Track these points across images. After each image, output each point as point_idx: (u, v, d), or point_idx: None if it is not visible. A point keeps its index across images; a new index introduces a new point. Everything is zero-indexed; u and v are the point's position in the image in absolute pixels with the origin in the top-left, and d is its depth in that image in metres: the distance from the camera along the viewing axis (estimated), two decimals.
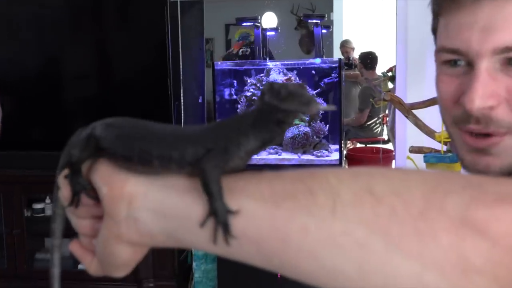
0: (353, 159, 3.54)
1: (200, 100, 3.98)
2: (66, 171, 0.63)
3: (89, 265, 0.65)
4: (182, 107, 3.67)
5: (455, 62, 0.77)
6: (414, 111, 2.63)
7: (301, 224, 0.48)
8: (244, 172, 0.55)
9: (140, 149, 0.56)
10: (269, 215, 0.50)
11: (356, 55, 6.62)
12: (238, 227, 0.51)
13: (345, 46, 6.70)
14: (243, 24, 3.49)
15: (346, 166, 3.52)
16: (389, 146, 4.95)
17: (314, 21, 3.39)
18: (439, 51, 0.78)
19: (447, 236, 0.44)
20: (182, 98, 3.69)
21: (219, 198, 0.51)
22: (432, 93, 3.22)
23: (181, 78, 3.65)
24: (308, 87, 3.42)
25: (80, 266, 3.37)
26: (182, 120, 3.69)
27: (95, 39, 3.77)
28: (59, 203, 0.67)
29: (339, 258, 0.47)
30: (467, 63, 0.75)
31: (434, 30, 0.84)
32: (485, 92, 0.72)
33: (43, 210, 3.73)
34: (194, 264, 3.57)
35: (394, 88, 5.53)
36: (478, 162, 0.77)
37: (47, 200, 3.71)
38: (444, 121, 0.82)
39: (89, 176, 0.61)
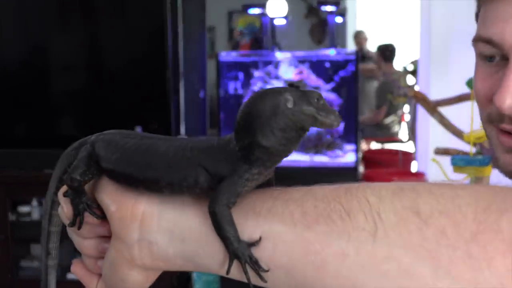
0: (370, 161, 3.45)
1: (201, 95, 3.89)
2: (65, 188, 0.61)
3: None
4: (182, 102, 3.58)
5: (490, 58, 0.74)
6: (440, 109, 2.54)
7: (339, 249, 0.47)
8: (270, 186, 0.55)
9: (143, 174, 0.55)
10: (301, 239, 0.48)
11: (370, 47, 6.53)
12: (264, 253, 0.50)
13: (359, 36, 6.63)
14: (249, 11, 3.37)
15: (362, 169, 3.42)
16: (407, 146, 4.85)
17: (329, 8, 3.28)
18: (475, 40, 0.76)
19: (504, 260, 0.42)
20: (182, 92, 3.59)
21: (235, 241, 0.50)
22: (457, 89, 3.13)
23: (181, 70, 3.55)
24: (321, 81, 3.32)
25: (69, 276, 3.29)
26: (182, 117, 3.60)
27: (86, 27, 3.68)
28: (55, 221, 0.66)
29: (382, 286, 0.46)
30: (502, 57, 0.73)
31: (477, 17, 0.81)
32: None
33: (29, 213, 3.65)
34: (194, 274, 3.50)
35: (415, 83, 5.44)
36: (507, 163, 0.75)
37: (34, 203, 3.63)
38: (480, 118, 0.79)
39: (93, 192, 0.60)
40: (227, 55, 3.47)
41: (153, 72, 3.50)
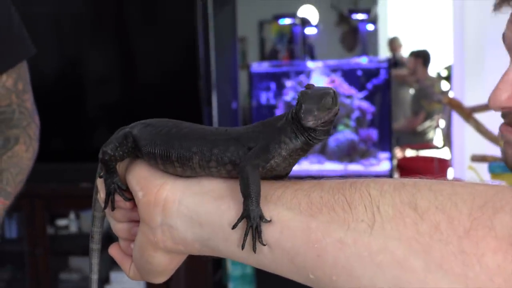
0: (405, 169, 3.41)
1: (234, 106, 3.89)
2: (100, 170, 0.65)
3: (128, 270, 0.67)
4: (215, 113, 3.59)
5: None
6: (476, 115, 2.50)
7: (337, 238, 0.49)
8: (285, 179, 0.57)
9: (179, 146, 0.58)
10: (304, 226, 0.50)
11: (403, 53, 6.49)
12: (272, 236, 0.52)
13: (393, 43, 6.59)
14: (280, 21, 3.37)
15: (397, 177, 3.38)
16: (442, 153, 4.79)
17: (360, 16, 3.27)
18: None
19: (494, 257, 0.43)
20: (215, 103, 3.60)
21: (255, 202, 0.52)
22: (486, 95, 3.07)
23: (213, 81, 3.56)
24: (354, 89, 3.30)
25: None
26: None
27: (119, 40, 3.72)
28: (98, 205, 0.69)
29: (377, 276, 0.47)
30: None
31: None
32: (508, 90, 0.71)
33: (67, 227, 3.69)
34: (230, 285, 3.48)
35: (449, 89, 5.37)
36: (508, 154, 0.76)
37: (71, 216, 3.67)
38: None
39: (126, 177, 0.63)
40: (259, 66, 3.48)
41: (186, 83, 3.52)
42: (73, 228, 3.67)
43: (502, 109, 0.72)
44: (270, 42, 7.11)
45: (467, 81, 3.32)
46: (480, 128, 2.45)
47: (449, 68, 5.37)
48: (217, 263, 3.49)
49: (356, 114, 3.22)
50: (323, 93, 0.53)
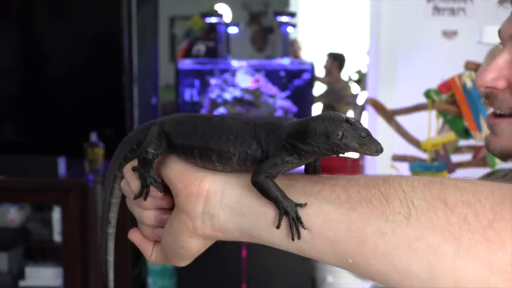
0: (322, 167, 3.55)
1: (153, 102, 3.89)
2: (132, 163, 0.70)
3: (149, 254, 0.72)
4: (135, 108, 3.58)
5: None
6: (397, 118, 2.67)
7: (377, 228, 0.55)
8: (317, 174, 0.66)
9: (218, 148, 0.63)
10: (346, 218, 0.57)
11: (303, 56, 6.68)
12: (315, 227, 0.58)
13: (293, 46, 6.77)
14: (207, 20, 3.43)
15: None
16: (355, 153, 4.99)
17: (284, 19, 3.38)
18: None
19: None
20: (136, 98, 3.60)
21: (282, 199, 0.59)
22: (404, 98, 3.26)
23: (135, 76, 3.56)
24: (277, 89, 3.41)
25: (21, 284, 3.25)
26: (136, 123, 3.60)
27: (23, 30, 3.63)
28: (116, 193, 0.75)
29: (412, 260, 0.54)
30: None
31: None
32: (495, 72, 0.82)
33: None
34: (149, 279, 3.50)
35: (359, 92, 5.61)
36: (488, 141, 0.87)
37: None
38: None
39: (161, 171, 0.68)
40: (185, 63, 3.51)
41: (109, 78, 3.51)
42: None
43: (485, 88, 0.83)
44: (179, 39, 7.14)
45: (381, 85, 3.51)
46: (400, 131, 2.61)
47: (359, 72, 5.62)
48: (137, 258, 3.50)
49: (279, 113, 3.32)
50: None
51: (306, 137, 0.60)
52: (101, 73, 3.54)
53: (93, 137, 3.21)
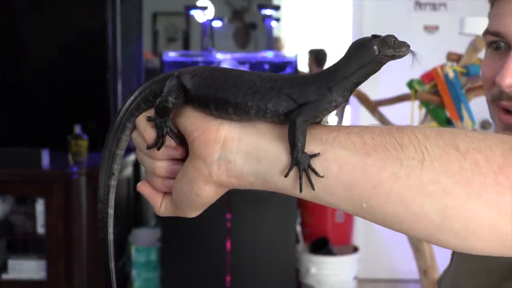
0: None
1: None
2: (146, 114, 0.70)
3: (159, 206, 0.72)
4: (119, 101, 3.59)
5: (497, 46, 0.88)
6: (380, 109, 2.70)
7: (392, 172, 0.57)
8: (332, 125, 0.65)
9: (235, 102, 0.64)
10: (361, 163, 0.59)
11: (285, 53, 6.73)
12: (331, 172, 0.60)
13: (277, 42, 6.81)
14: (191, 12, 3.45)
15: None
16: None
17: (268, 12, 3.41)
18: (484, 34, 0.90)
19: None
20: (119, 92, 3.61)
21: (301, 150, 0.60)
22: (387, 91, 3.30)
23: (119, 70, 3.57)
24: None
25: (3, 277, 3.24)
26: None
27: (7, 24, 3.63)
28: (122, 145, 0.73)
29: (426, 203, 0.56)
30: (508, 47, 0.87)
31: (489, 15, 0.94)
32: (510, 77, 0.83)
33: None
34: (133, 272, 3.50)
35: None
36: None
37: None
38: (486, 99, 0.92)
39: (176, 120, 0.68)
40: (167, 55, 3.52)
41: (93, 71, 3.51)
42: None
43: (506, 89, 0.84)
44: (163, 34, 7.14)
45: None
46: (383, 121, 2.65)
47: None
48: (120, 251, 3.51)
49: None
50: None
51: (349, 68, 0.62)
52: (85, 66, 3.54)
53: (77, 129, 3.21)
